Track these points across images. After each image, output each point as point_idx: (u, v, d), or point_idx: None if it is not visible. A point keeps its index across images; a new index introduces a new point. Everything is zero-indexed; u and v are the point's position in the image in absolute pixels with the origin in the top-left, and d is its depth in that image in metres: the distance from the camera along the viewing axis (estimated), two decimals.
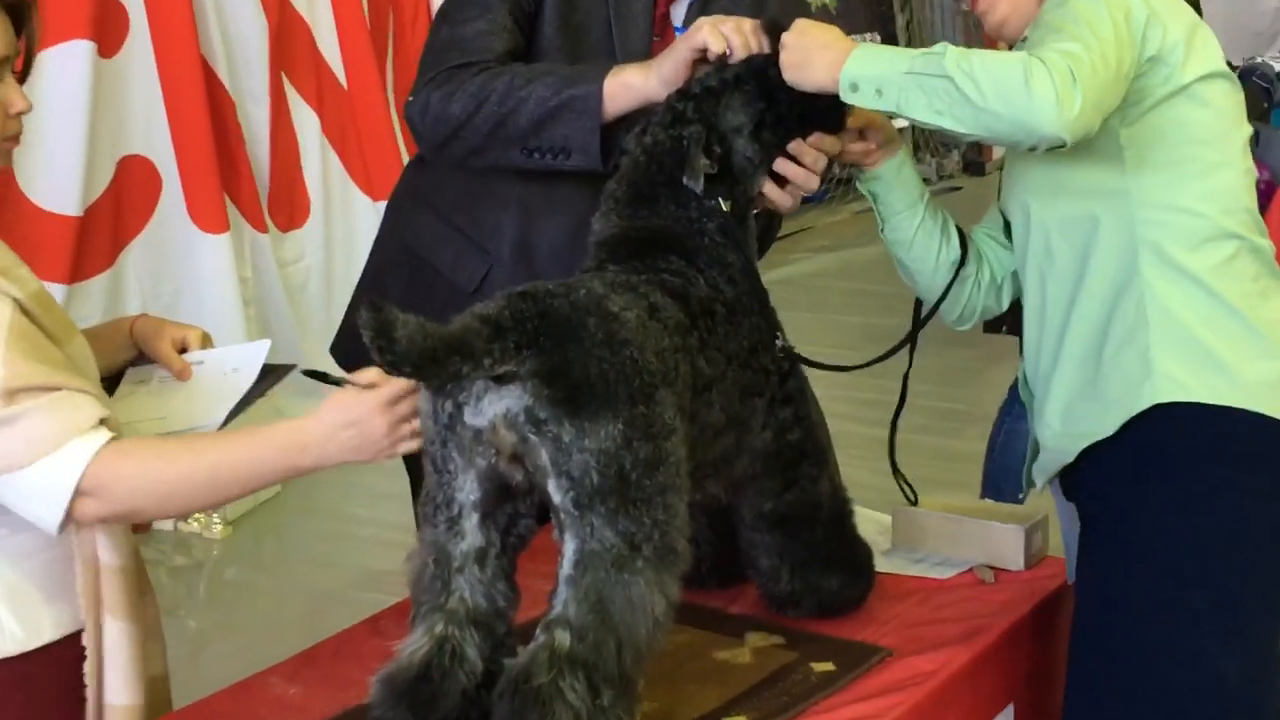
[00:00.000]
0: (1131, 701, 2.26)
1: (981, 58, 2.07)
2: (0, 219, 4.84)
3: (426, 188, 2.82)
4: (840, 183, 10.01)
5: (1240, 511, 2.22)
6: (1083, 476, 2.36)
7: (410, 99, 2.64)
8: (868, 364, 2.48)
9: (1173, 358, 2.24)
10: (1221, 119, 2.29)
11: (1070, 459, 2.34)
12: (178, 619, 4.58)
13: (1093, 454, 2.31)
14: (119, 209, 5.20)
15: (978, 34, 10.96)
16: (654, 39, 2.67)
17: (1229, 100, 2.30)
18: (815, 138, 2.35)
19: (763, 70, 2.33)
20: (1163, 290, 2.25)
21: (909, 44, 10.36)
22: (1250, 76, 7.35)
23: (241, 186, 5.57)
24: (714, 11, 2.49)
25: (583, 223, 2.45)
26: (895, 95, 2.13)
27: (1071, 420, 2.32)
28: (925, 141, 10.45)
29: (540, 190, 2.68)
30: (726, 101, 2.33)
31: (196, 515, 5.05)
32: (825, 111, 2.29)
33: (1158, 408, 2.24)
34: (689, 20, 2.60)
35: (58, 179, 4.93)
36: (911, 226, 2.48)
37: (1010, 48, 2.38)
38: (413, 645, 2.06)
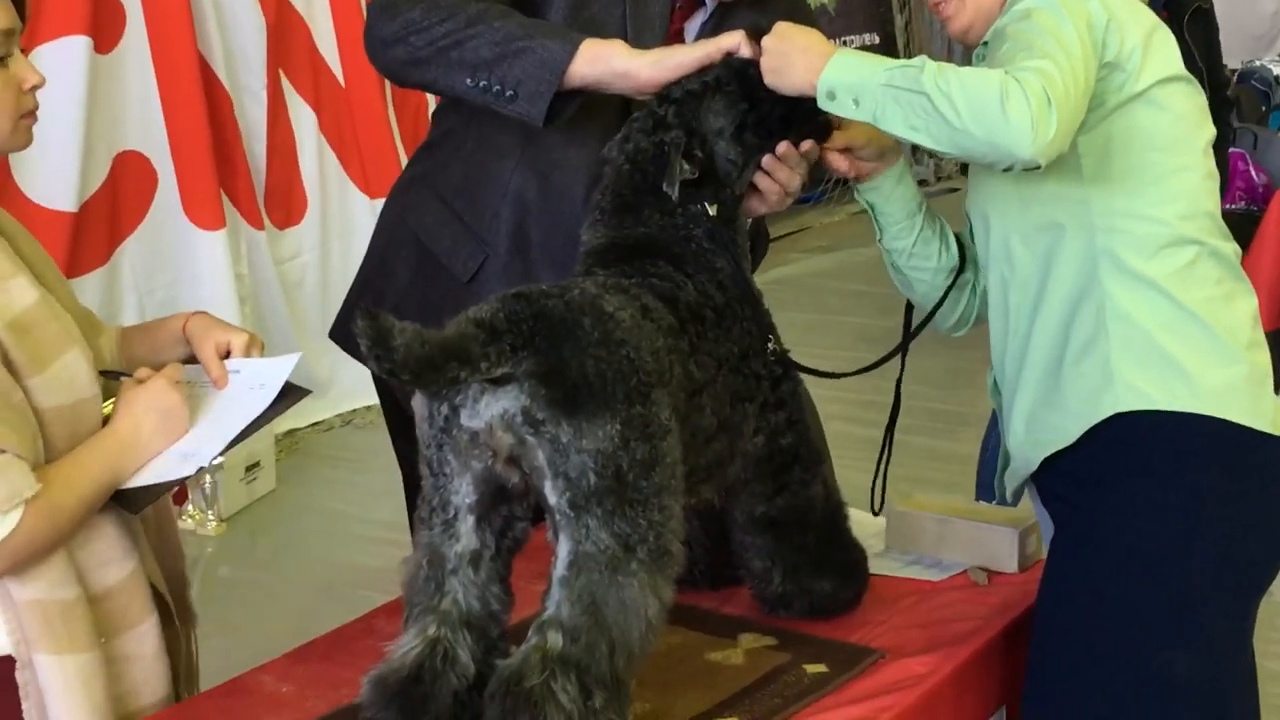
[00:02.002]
0: (1087, 701, 2.27)
1: (959, 76, 2.06)
2: None
3: (432, 170, 2.80)
4: (837, 183, 10.03)
5: (1199, 514, 2.23)
6: (1048, 482, 2.37)
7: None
8: (858, 371, 2.48)
9: (1133, 366, 2.24)
10: (1180, 123, 2.27)
11: (1034, 467, 2.35)
12: None
13: (1056, 461, 2.31)
14: (115, 205, 5.20)
15: None
16: None
17: (1188, 103, 2.29)
18: (784, 147, 2.33)
19: (744, 72, 2.32)
20: (1122, 298, 2.25)
21: (907, 45, 10.36)
22: (1249, 80, 7.36)
23: (238, 183, 5.57)
24: (729, 29, 2.47)
25: (578, 218, 2.44)
26: (872, 106, 2.12)
27: (1035, 428, 2.33)
28: None
29: (537, 184, 2.67)
30: (708, 104, 2.32)
31: (191, 513, 5.05)
32: (809, 114, 2.28)
33: (1119, 416, 2.24)
34: (700, 38, 2.60)
35: (54, 175, 4.93)
36: (910, 237, 2.48)
37: (970, 55, 2.39)
38: (405, 646, 2.06)
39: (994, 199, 2.34)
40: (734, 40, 2.36)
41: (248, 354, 2.27)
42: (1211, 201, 2.31)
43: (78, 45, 4.95)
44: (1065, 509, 2.34)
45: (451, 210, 2.74)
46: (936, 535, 2.63)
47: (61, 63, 4.88)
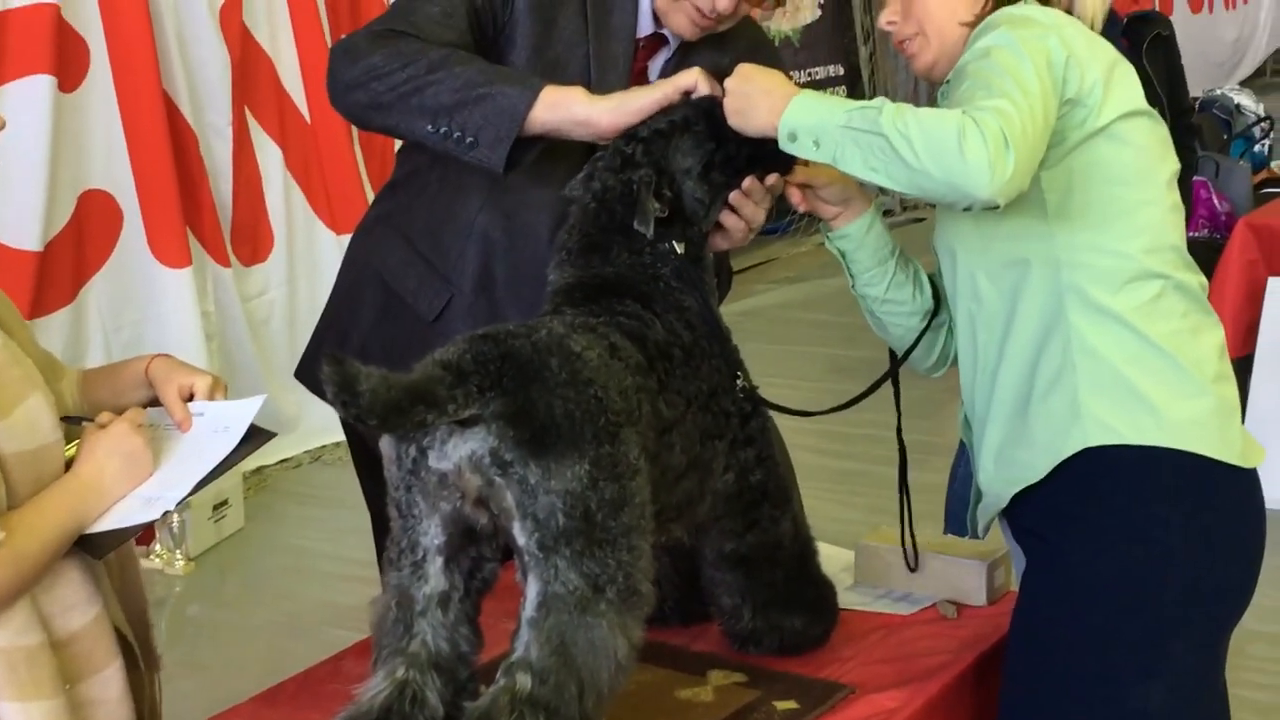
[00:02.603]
0: None
1: (917, 117, 2.07)
2: None
3: (396, 210, 2.81)
4: (803, 215, 10.05)
5: (1168, 547, 2.23)
6: (1018, 516, 2.38)
7: (341, 38, 2.61)
8: (829, 410, 2.48)
9: (1100, 400, 2.24)
10: (1142, 156, 2.28)
11: (1005, 503, 2.35)
12: None
13: (1027, 495, 2.32)
14: (80, 244, 5.17)
15: None
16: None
17: (1150, 137, 2.29)
18: (750, 182, 2.35)
19: (710, 111, 2.33)
20: (1089, 332, 2.25)
21: (872, 76, 10.39)
22: (1210, 108, 7.41)
23: (204, 220, 5.55)
24: (692, 66, 2.48)
25: (543, 257, 2.44)
26: (832, 148, 2.13)
27: (1004, 464, 2.34)
28: None
29: (502, 223, 2.68)
30: (676, 144, 2.33)
31: (158, 552, 5.02)
32: (774, 153, 2.28)
33: (1087, 450, 2.25)
34: (663, 76, 2.60)
35: (18, 214, 4.90)
36: (882, 283, 2.48)
37: (935, 89, 2.40)
38: (373, 689, 2.05)
39: (960, 235, 2.35)
40: (690, 79, 2.37)
41: (212, 397, 2.26)
42: (1176, 234, 2.32)
43: (41, 84, 4.93)
44: (1036, 542, 2.35)
45: (416, 250, 2.74)
46: (905, 569, 2.63)
47: (25, 102, 4.86)
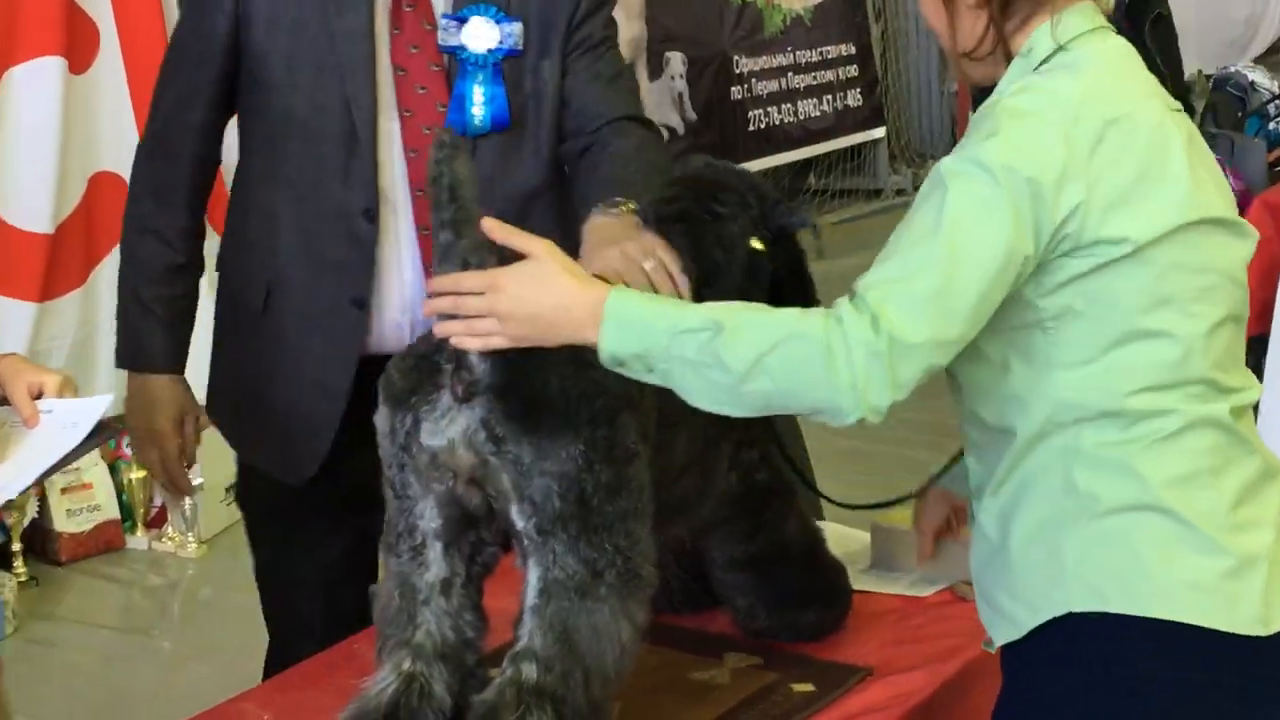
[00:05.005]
0: None
1: (767, 337, 1.78)
2: None
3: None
4: (816, 193, 10.02)
5: (1160, 706, 1.90)
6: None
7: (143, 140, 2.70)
8: (873, 506, 2.47)
9: (1088, 558, 1.89)
10: (1171, 278, 1.88)
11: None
12: (152, 639, 4.56)
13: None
14: (91, 226, 5.15)
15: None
16: (394, 31, 2.53)
17: (1194, 253, 1.90)
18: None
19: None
20: (1081, 477, 1.89)
21: (884, 55, 10.34)
22: (1224, 86, 7.36)
23: (213, 201, 5.52)
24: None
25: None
26: (666, 374, 1.84)
27: (985, 595, 2.02)
28: (901, 152, 10.46)
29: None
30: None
31: (171, 534, 5.03)
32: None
33: (1070, 615, 1.91)
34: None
35: (29, 196, 4.89)
36: None
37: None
38: (380, 683, 2.03)
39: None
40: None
41: (61, 395, 2.28)
42: (1215, 356, 1.92)
43: (51, 66, 4.90)
44: (1014, 680, 2.03)
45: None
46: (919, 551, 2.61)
47: (35, 84, 4.83)
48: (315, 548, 2.68)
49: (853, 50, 9.93)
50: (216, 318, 2.76)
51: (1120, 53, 1.98)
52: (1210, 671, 1.89)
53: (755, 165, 8.96)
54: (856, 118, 9.89)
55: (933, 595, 2.55)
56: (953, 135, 10.71)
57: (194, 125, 2.63)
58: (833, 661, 2.33)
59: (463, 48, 2.51)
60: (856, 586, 2.49)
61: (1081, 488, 1.89)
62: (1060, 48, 1.93)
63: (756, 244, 2.28)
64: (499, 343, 1.89)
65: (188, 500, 4.88)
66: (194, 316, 2.71)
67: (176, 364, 2.68)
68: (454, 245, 1.92)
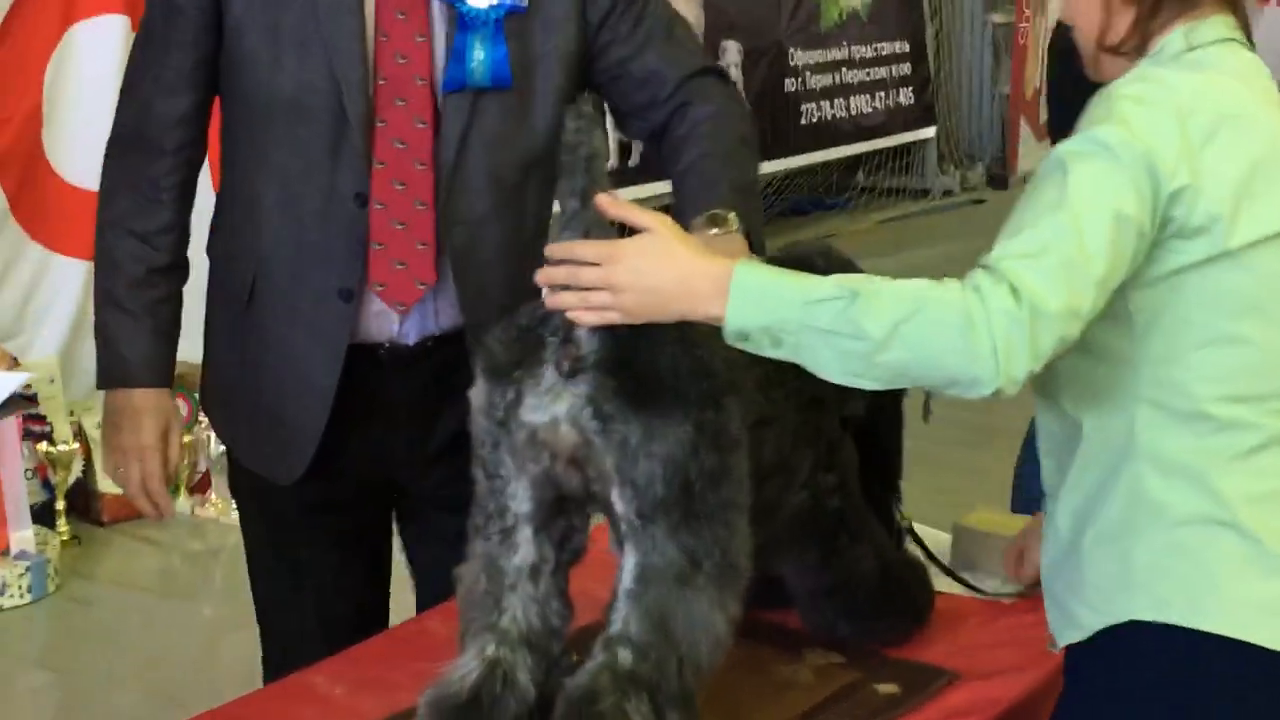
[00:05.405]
0: None
1: (906, 305, 1.75)
2: (29, 195, 4.82)
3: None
4: (863, 190, 9.96)
5: None
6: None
7: (115, 133, 2.48)
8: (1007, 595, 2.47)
9: (1157, 568, 1.88)
10: (1269, 286, 1.88)
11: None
12: (193, 605, 4.53)
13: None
14: None
15: (1006, 49, 10.90)
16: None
17: None
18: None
19: None
20: (1155, 487, 1.88)
21: (938, 53, 10.29)
22: None
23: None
24: None
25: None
26: (795, 348, 1.79)
27: (1053, 594, 2.01)
28: (950, 153, 10.39)
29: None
30: None
31: (214, 501, 5.00)
32: None
33: (1134, 622, 1.90)
34: None
35: (87, 155, 4.83)
36: None
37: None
38: (463, 669, 1.97)
39: None
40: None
41: None
42: None
43: (115, 24, 4.88)
44: (1075, 682, 2.01)
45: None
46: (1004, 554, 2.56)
47: (98, 41, 4.80)
48: (307, 548, 2.56)
49: (906, 48, 9.89)
50: (207, 310, 2.59)
51: (1247, 63, 1.98)
52: (1270, 694, 1.87)
53: (805, 160, 8.92)
54: (907, 116, 9.85)
55: (1017, 600, 2.50)
56: (1003, 138, 10.65)
57: (174, 113, 2.42)
58: (917, 662, 2.28)
59: (462, 1, 2.34)
60: (940, 588, 2.44)
61: (1157, 495, 1.88)
62: (1190, 49, 1.93)
63: None
64: (614, 318, 1.82)
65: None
66: (179, 323, 2.50)
67: (162, 374, 2.47)
68: (579, 214, 1.87)
